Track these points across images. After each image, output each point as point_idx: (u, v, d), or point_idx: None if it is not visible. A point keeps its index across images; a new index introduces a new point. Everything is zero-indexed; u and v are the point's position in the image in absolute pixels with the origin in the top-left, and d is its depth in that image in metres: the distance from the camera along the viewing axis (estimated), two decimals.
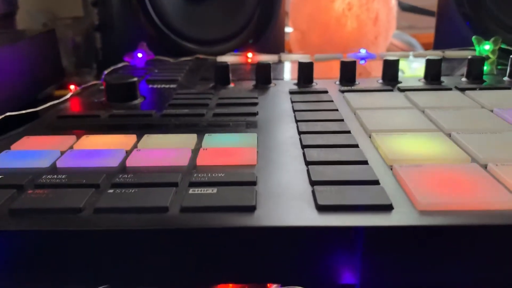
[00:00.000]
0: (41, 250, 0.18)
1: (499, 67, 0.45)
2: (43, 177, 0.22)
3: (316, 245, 0.18)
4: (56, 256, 0.18)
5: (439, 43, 0.60)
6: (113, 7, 0.57)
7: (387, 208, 0.19)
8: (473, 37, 0.48)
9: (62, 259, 0.18)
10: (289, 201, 0.19)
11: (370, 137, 0.27)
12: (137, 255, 0.18)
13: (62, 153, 0.25)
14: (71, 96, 0.37)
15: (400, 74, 0.39)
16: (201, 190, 0.20)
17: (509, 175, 0.21)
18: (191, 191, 0.20)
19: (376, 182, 0.21)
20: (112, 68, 0.46)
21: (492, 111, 0.30)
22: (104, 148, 0.25)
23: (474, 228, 0.18)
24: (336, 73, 0.40)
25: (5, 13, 0.55)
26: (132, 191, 0.20)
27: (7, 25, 0.55)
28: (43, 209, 0.19)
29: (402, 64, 0.49)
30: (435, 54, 0.50)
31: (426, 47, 0.73)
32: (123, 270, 0.18)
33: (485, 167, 0.22)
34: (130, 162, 0.23)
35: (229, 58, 0.51)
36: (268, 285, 0.19)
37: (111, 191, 0.20)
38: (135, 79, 0.35)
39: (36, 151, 0.25)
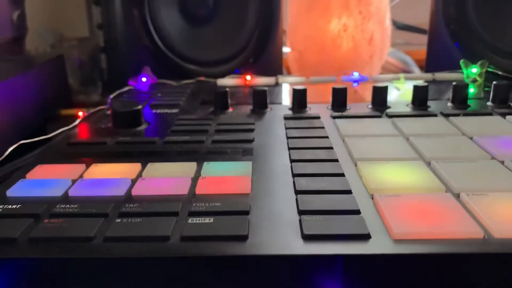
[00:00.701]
0: (58, 276, 0.20)
1: (486, 89, 0.48)
2: (57, 206, 0.24)
3: (301, 272, 0.20)
4: (71, 282, 0.20)
5: (431, 62, 0.62)
6: (117, 30, 0.59)
7: (365, 237, 0.21)
8: (461, 61, 0.50)
9: (77, 285, 0.20)
10: (279, 230, 0.22)
11: (355, 165, 0.29)
12: (142, 282, 0.20)
13: (73, 181, 0.27)
14: (80, 122, 0.40)
15: (395, 92, 0.41)
16: (199, 220, 0.22)
17: (478, 205, 0.23)
18: (190, 220, 0.22)
19: (357, 212, 0.23)
20: (117, 92, 0.49)
21: (471, 138, 0.33)
22: (112, 177, 0.28)
23: (442, 256, 0.20)
24: (330, 96, 0.42)
25: (16, 37, 0.57)
26: (138, 220, 0.22)
27: (17, 49, 0.57)
28: (59, 238, 0.21)
29: (398, 83, 0.51)
30: (425, 77, 0.52)
31: (421, 63, 0.75)
32: None
33: (458, 196, 0.24)
34: (135, 191, 0.26)
35: (228, 81, 0.54)
36: None
37: (118, 220, 0.22)
38: (140, 106, 0.38)
39: (50, 180, 0.27)
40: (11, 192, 0.26)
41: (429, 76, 0.53)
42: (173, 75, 0.56)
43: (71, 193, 0.26)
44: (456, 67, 0.53)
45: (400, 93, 0.49)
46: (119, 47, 0.60)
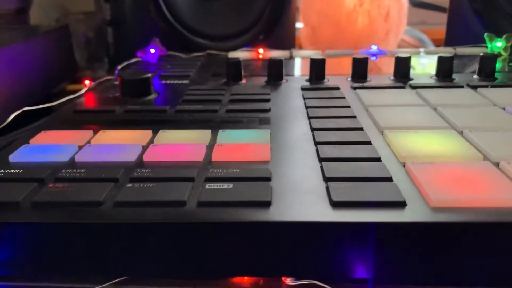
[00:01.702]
0: (63, 242, 0.19)
1: (511, 64, 0.45)
2: (63, 171, 0.22)
3: (330, 240, 0.18)
4: (77, 248, 0.19)
5: (450, 39, 0.59)
6: (125, 2, 0.57)
7: (400, 204, 0.19)
8: (485, 34, 0.48)
9: (83, 251, 0.19)
10: (304, 197, 0.20)
11: (382, 134, 0.27)
12: (155, 248, 0.18)
13: (80, 147, 0.25)
14: (86, 91, 0.38)
15: (410, 71, 0.39)
16: (217, 185, 0.20)
17: None
18: (207, 186, 0.20)
19: (389, 179, 0.21)
20: (125, 63, 0.47)
21: (504, 109, 0.30)
22: (121, 143, 0.26)
23: (485, 225, 0.18)
24: (347, 69, 0.40)
25: (19, 8, 0.55)
26: (150, 185, 0.20)
27: (21, 20, 0.55)
28: (64, 202, 0.19)
29: (413, 61, 0.49)
30: (447, 51, 0.50)
31: (437, 43, 0.72)
32: (142, 262, 0.19)
33: (497, 165, 0.22)
34: (147, 157, 0.24)
35: (240, 54, 0.51)
36: (283, 278, 0.20)
37: (129, 185, 0.21)
38: (149, 75, 0.36)
39: (55, 146, 0.26)
40: (14, 157, 0.24)
41: (450, 50, 0.50)
42: (182, 48, 0.54)
43: (78, 158, 0.24)
44: (477, 43, 0.51)
45: (413, 72, 0.46)
46: (126, 20, 0.57)
